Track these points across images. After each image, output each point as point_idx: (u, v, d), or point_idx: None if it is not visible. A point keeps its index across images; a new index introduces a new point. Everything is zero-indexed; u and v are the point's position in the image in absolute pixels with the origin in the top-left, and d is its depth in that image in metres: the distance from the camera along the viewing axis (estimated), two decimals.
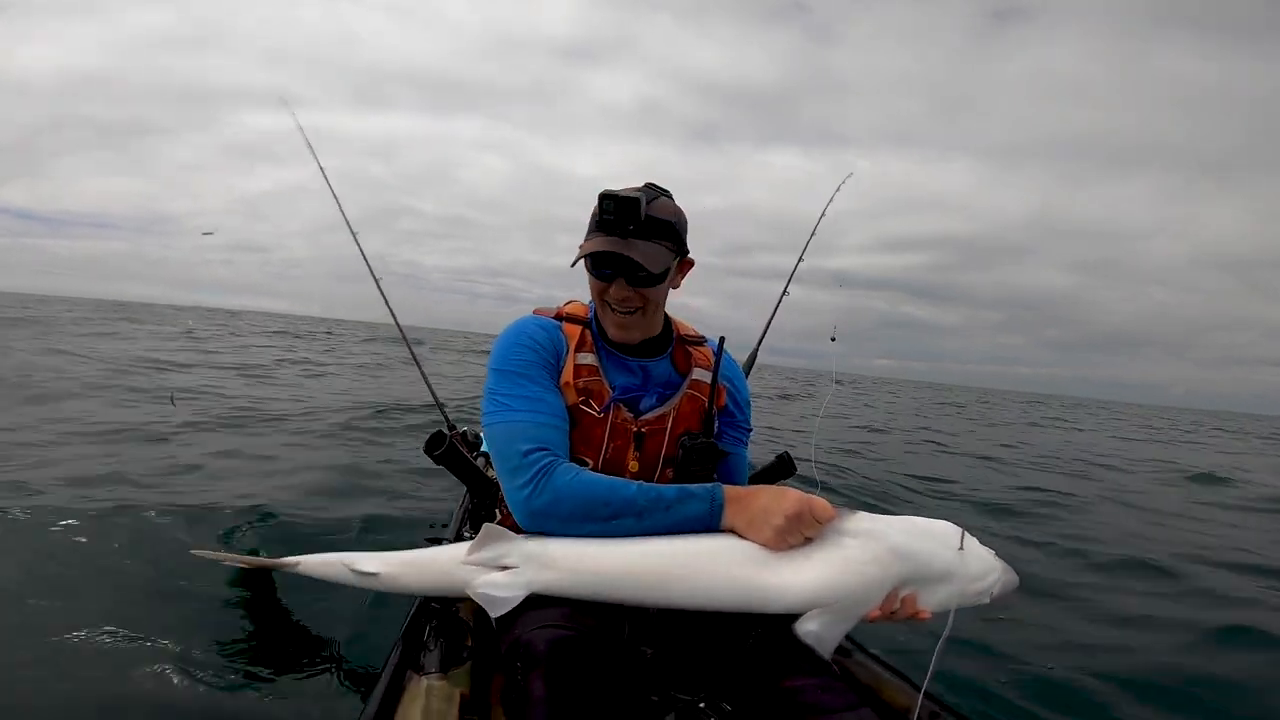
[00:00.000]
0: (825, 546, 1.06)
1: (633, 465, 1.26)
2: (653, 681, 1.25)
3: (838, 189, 2.67)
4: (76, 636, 1.76)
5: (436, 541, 1.95)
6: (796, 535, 1.04)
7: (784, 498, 1.04)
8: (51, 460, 3.58)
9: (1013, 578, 1.10)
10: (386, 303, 2.84)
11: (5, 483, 2.97)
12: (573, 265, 1.24)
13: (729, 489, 1.09)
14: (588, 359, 1.26)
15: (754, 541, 1.06)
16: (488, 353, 1.28)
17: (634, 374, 1.29)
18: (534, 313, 1.33)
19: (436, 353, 19.67)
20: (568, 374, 1.24)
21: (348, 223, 2.78)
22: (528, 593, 1.11)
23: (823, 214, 2.61)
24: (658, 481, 1.27)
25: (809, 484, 1.28)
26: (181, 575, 2.23)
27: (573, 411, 1.23)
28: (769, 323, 2.67)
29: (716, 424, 1.34)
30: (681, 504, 1.07)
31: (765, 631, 1.12)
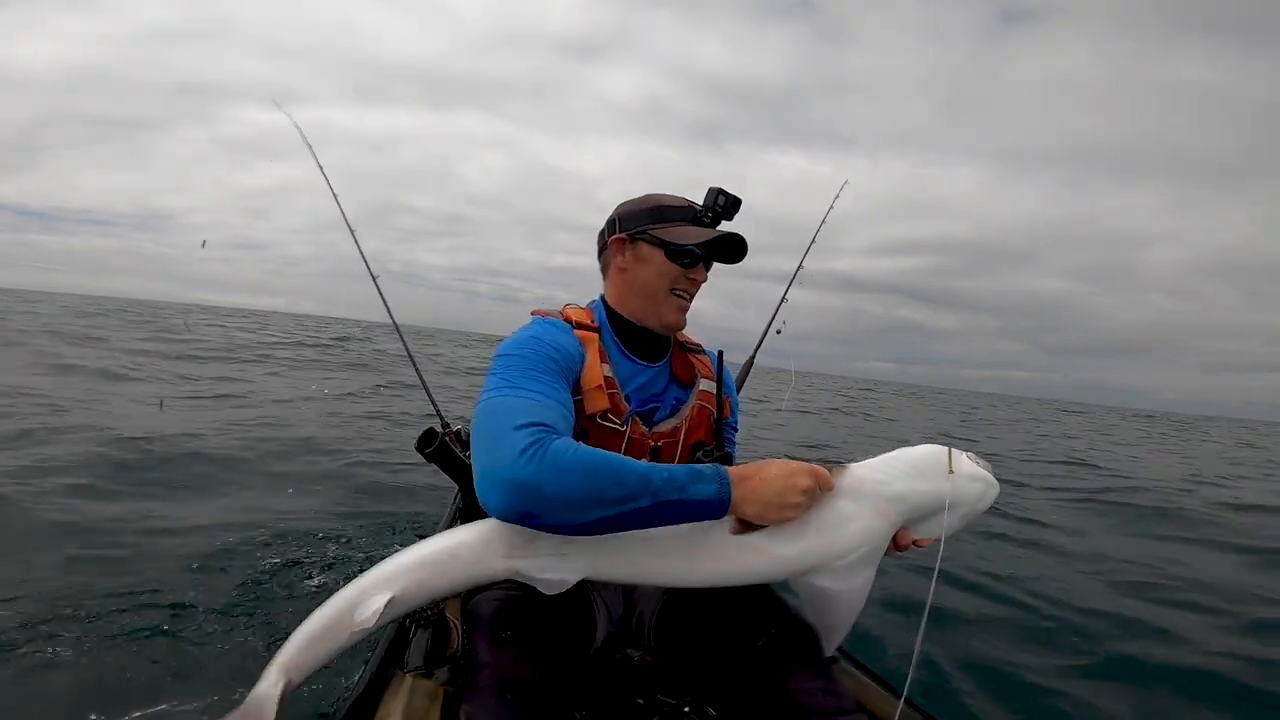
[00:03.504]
0: (822, 510, 1.03)
1: None
2: (639, 684, 1.25)
3: (835, 197, 2.67)
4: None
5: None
6: (806, 509, 0.99)
7: (794, 474, 0.97)
8: None
9: (996, 488, 1.10)
10: (386, 305, 2.83)
11: None
12: (687, 250, 1.24)
13: (732, 470, 0.98)
14: (608, 370, 1.23)
15: (769, 523, 0.99)
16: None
17: (644, 374, 1.29)
18: (535, 313, 1.29)
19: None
20: (594, 379, 1.18)
21: (347, 223, 2.76)
22: (582, 577, 0.96)
23: (822, 222, 2.61)
24: None
25: None
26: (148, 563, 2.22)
27: (589, 425, 1.18)
28: (765, 332, 2.66)
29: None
30: (694, 484, 0.93)
31: (777, 634, 1.11)
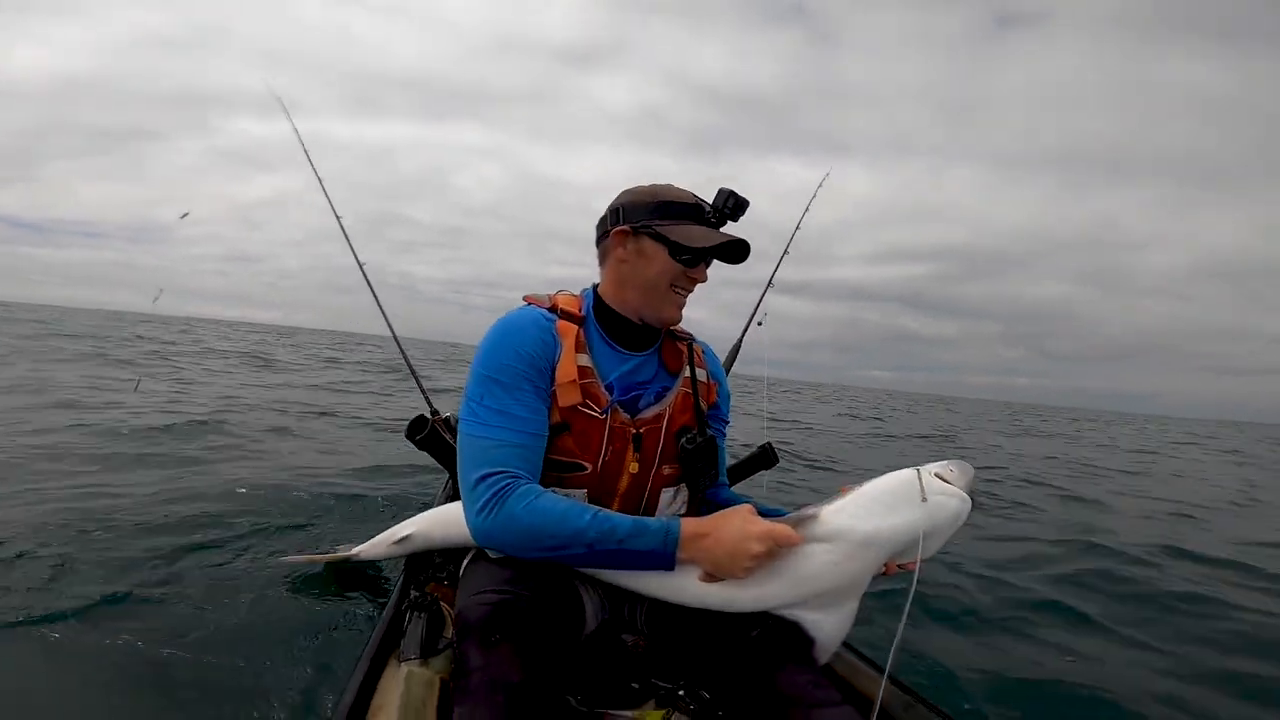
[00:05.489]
0: (798, 558, 1.09)
1: (633, 467, 1.27)
2: (634, 668, 1.27)
3: (815, 192, 2.67)
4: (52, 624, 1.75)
5: None
6: (766, 565, 1.07)
7: (747, 538, 1.05)
8: None
9: (969, 504, 1.10)
10: (385, 316, 2.81)
11: None
12: (695, 254, 1.24)
13: (686, 523, 1.09)
14: (585, 360, 1.25)
15: (723, 578, 1.08)
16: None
17: (629, 363, 1.30)
18: (525, 301, 1.32)
19: None
20: (568, 372, 1.22)
21: (346, 236, 2.71)
22: None
23: (805, 210, 2.62)
24: (655, 478, 1.30)
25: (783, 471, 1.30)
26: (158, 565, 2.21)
27: (570, 414, 1.22)
28: (750, 320, 2.69)
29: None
30: (634, 538, 1.07)
31: (770, 626, 1.13)
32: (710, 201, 1.27)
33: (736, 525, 1.07)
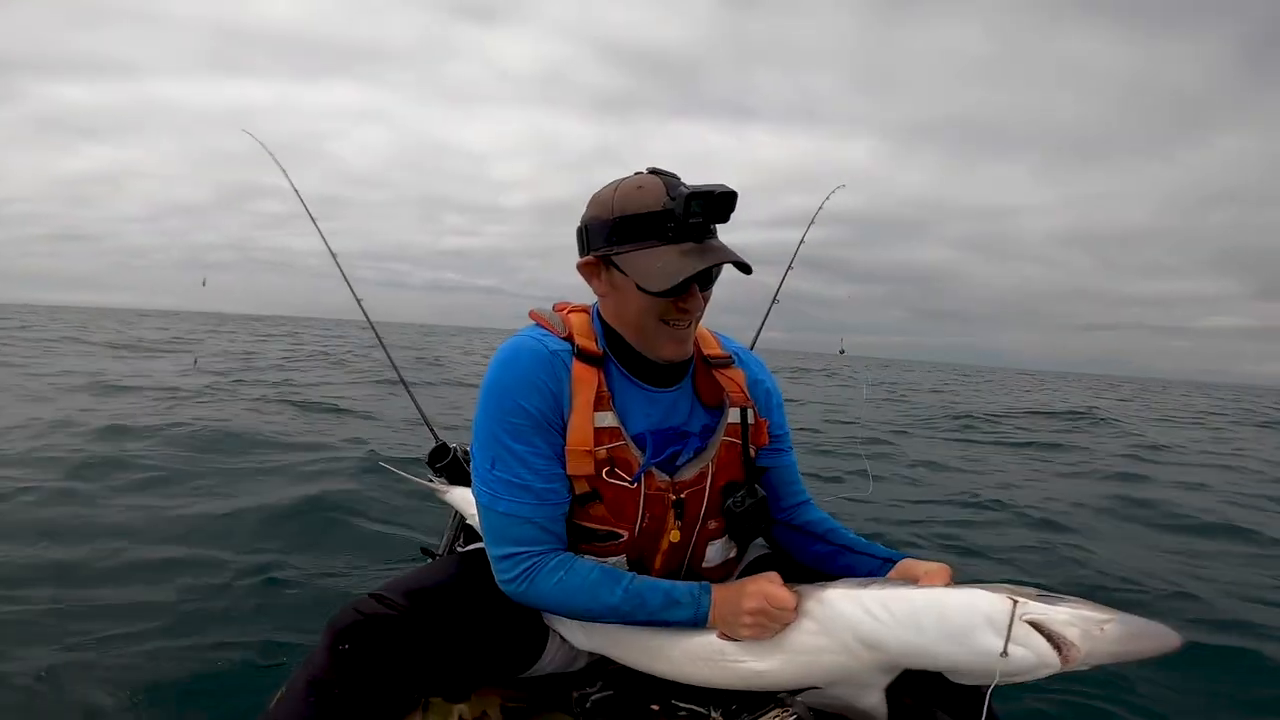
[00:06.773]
0: (795, 633, 1.01)
1: (674, 535, 1.15)
2: (654, 691, 1.24)
3: (825, 200, 2.67)
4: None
5: (430, 554, 1.93)
6: (771, 628, 1.00)
7: (742, 599, 1.01)
8: None
9: (1056, 667, 0.79)
10: (365, 314, 2.74)
11: None
12: (669, 289, 0.99)
13: (716, 590, 1.05)
14: (608, 419, 1.07)
15: (736, 638, 1.03)
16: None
17: (661, 402, 1.13)
18: (532, 318, 1.15)
19: None
20: (583, 439, 1.04)
21: (331, 252, 2.69)
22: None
23: (812, 221, 2.62)
24: (701, 534, 1.19)
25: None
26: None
27: (599, 483, 1.08)
28: (759, 329, 2.68)
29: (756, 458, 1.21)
30: (666, 610, 1.04)
31: None
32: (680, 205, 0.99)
33: (750, 585, 1.03)
